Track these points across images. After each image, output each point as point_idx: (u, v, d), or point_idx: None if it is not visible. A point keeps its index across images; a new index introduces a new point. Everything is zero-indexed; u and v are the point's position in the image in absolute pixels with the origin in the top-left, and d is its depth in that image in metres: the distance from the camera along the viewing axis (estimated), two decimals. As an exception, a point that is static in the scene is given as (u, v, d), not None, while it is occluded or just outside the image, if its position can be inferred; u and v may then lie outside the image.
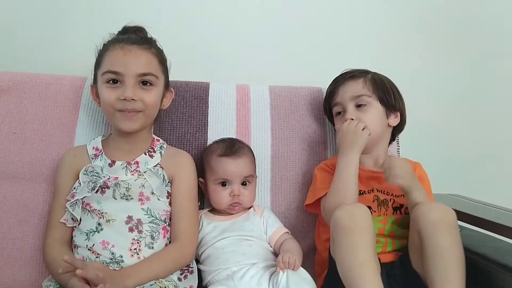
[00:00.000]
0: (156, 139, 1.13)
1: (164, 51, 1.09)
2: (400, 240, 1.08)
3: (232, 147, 1.13)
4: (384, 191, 1.11)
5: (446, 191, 1.22)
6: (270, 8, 1.49)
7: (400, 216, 1.09)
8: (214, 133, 1.23)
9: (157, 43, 1.09)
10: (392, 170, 1.00)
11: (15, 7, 1.41)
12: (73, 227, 1.03)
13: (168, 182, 1.07)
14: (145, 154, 1.08)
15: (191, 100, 1.25)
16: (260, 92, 1.30)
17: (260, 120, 1.26)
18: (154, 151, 1.10)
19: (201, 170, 1.16)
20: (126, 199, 1.02)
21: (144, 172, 1.05)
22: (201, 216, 1.13)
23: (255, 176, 1.16)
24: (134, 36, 1.06)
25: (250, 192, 1.13)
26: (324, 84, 1.33)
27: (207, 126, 1.23)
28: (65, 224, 1.03)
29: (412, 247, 0.99)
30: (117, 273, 0.93)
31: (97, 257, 0.97)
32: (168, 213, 1.06)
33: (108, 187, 1.02)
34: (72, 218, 1.03)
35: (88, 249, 0.99)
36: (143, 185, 1.03)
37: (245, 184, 1.12)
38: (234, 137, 1.22)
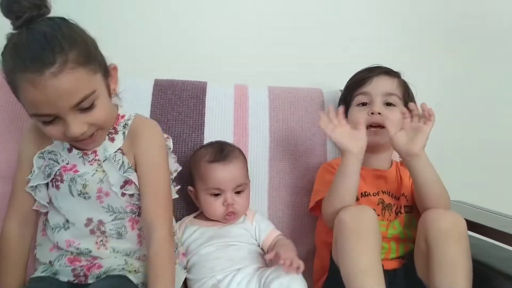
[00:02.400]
0: (121, 115, 0.95)
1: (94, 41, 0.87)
2: (404, 244, 1.05)
3: (222, 151, 1.07)
4: (390, 193, 1.08)
5: (450, 197, 1.17)
6: (270, 8, 1.45)
7: (402, 216, 1.06)
8: (211, 134, 1.19)
9: (70, 30, 0.81)
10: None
11: None
12: (43, 222, 0.96)
13: (129, 167, 0.91)
14: (105, 138, 0.93)
15: (188, 100, 1.22)
16: (258, 92, 1.27)
17: (258, 122, 1.23)
18: (116, 132, 0.93)
19: (190, 177, 1.11)
20: (84, 197, 0.91)
21: (104, 161, 0.92)
22: (186, 224, 1.09)
23: (248, 182, 1.11)
24: (39, 57, 0.75)
25: (244, 199, 1.08)
26: (324, 86, 1.32)
27: (204, 126, 1.20)
28: (40, 210, 0.95)
29: (418, 255, 0.96)
30: None
31: (66, 250, 0.93)
32: (133, 204, 0.94)
33: (62, 181, 0.91)
34: (43, 204, 0.94)
35: (55, 246, 0.94)
36: (101, 180, 0.91)
37: (239, 192, 1.07)
38: (231, 139, 1.19)
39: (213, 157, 1.06)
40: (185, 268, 1.02)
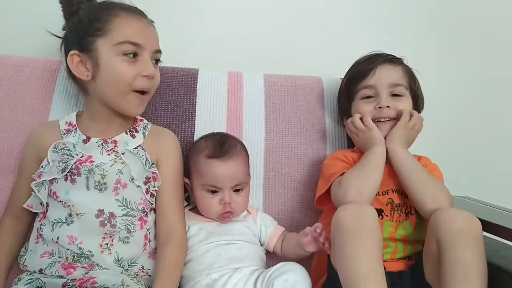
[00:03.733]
0: (140, 119, 1.04)
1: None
2: (412, 245, 0.99)
3: (222, 146, 1.00)
4: (400, 191, 1.02)
5: (456, 193, 1.12)
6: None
7: (413, 217, 1.01)
8: (202, 125, 1.13)
9: None
10: None
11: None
12: (39, 218, 0.94)
13: (152, 164, 0.96)
14: (126, 133, 0.98)
15: (178, 88, 1.15)
16: (254, 80, 1.20)
17: (254, 111, 1.17)
18: (137, 131, 1.00)
19: (187, 169, 1.05)
20: (100, 189, 0.92)
21: (123, 154, 0.95)
22: None
23: (248, 180, 1.05)
24: (136, 8, 0.97)
25: (243, 198, 1.02)
26: (323, 74, 1.26)
27: (195, 116, 1.13)
28: (31, 210, 0.94)
29: (428, 258, 0.89)
30: None
31: (67, 249, 0.89)
32: (147, 202, 0.95)
33: (79, 174, 0.91)
34: (40, 203, 0.93)
35: (55, 242, 0.90)
36: (120, 171, 0.93)
37: (238, 191, 1.01)
38: (224, 129, 1.12)
39: (212, 152, 1.00)
40: None
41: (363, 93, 1.07)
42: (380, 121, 1.05)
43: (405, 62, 1.12)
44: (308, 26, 1.40)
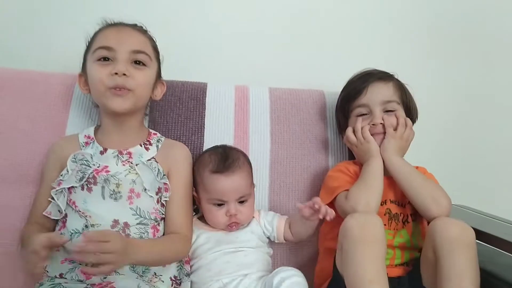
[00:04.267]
0: (153, 133, 1.09)
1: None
2: (409, 252, 1.04)
3: (225, 161, 1.03)
4: (397, 201, 1.07)
5: (452, 202, 1.16)
6: (271, 8, 1.44)
7: (410, 225, 1.06)
8: (211, 137, 1.17)
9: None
10: None
11: (3, 2, 1.36)
12: (59, 227, 0.98)
13: (164, 175, 1.02)
14: (141, 146, 1.04)
15: (188, 101, 1.20)
16: (259, 94, 1.26)
17: (259, 124, 1.22)
18: (150, 144, 1.05)
19: (195, 181, 1.09)
20: (115, 198, 0.97)
21: (137, 165, 1.00)
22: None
23: (252, 190, 1.08)
24: (127, 23, 1.05)
25: (248, 208, 1.06)
26: (326, 87, 1.30)
27: (204, 128, 1.18)
28: (49, 217, 0.98)
29: (425, 263, 0.95)
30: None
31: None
32: (158, 212, 1.00)
33: (96, 183, 0.97)
34: (59, 211, 0.98)
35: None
36: (134, 181, 0.98)
37: (242, 202, 1.04)
38: (231, 141, 1.17)
39: (216, 167, 1.03)
40: (188, 275, 1.02)
41: (358, 111, 1.12)
42: (374, 136, 1.09)
43: (396, 77, 1.15)
44: (310, 41, 1.45)
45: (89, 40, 1.04)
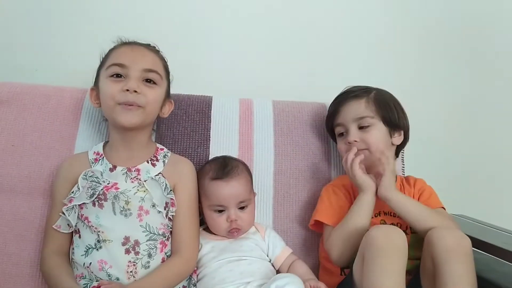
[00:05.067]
0: (160, 148, 1.12)
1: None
2: (409, 261, 1.04)
3: (225, 168, 1.07)
4: (391, 213, 1.09)
5: (450, 211, 1.19)
6: (274, 23, 1.48)
7: (409, 237, 1.06)
8: (216, 148, 1.20)
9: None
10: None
11: (16, 16, 1.39)
12: (70, 239, 1.02)
13: (170, 190, 1.04)
14: (148, 162, 1.06)
15: (193, 114, 1.23)
16: (263, 106, 1.29)
17: (263, 136, 1.25)
18: (157, 160, 1.08)
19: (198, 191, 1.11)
20: (125, 215, 1.00)
21: (145, 181, 1.03)
22: None
23: (252, 197, 1.11)
24: (140, 42, 1.08)
25: (248, 214, 1.08)
26: (328, 100, 1.31)
27: (209, 141, 1.21)
28: (59, 230, 1.01)
29: (424, 273, 0.97)
30: None
31: (96, 276, 0.96)
32: (166, 227, 1.03)
33: (106, 199, 1.00)
34: (68, 224, 1.01)
35: (85, 267, 0.97)
36: (143, 199, 1.01)
37: (242, 208, 1.07)
38: (236, 153, 1.20)
39: (216, 174, 1.07)
40: (195, 285, 1.05)
41: (338, 131, 1.16)
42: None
43: (373, 91, 1.15)
44: (312, 54, 1.49)
45: (103, 56, 1.08)
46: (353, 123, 1.12)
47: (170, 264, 1.01)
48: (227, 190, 1.05)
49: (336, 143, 1.21)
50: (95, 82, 1.08)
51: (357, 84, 1.20)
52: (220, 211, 1.06)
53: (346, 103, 1.14)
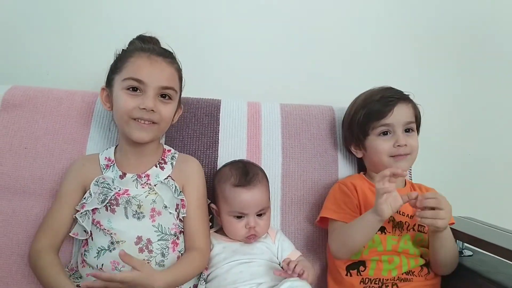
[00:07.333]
0: (167, 150, 1.13)
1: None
2: (414, 259, 1.07)
3: (247, 175, 1.08)
4: (401, 212, 1.10)
5: (458, 213, 1.20)
6: (282, 26, 1.49)
7: (414, 233, 1.09)
8: (225, 151, 1.22)
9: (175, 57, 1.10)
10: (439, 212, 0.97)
11: (27, 21, 1.42)
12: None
13: (180, 192, 1.06)
14: (156, 166, 1.08)
15: (202, 117, 1.25)
16: (271, 109, 1.30)
17: (271, 138, 1.26)
18: (165, 163, 1.09)
19: (213, 195, 1.14)
20: (138, 218, 1.02)
21: (155, 185, 1.05)
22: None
23: (269, 204, 1.12)
24: (158, 48, 1.07)
25: (265, 221, 1.10)
26: (335, 103, 1.34)
27: (218, 143, 1.23)
28: (76, 237, 1.03)
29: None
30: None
31: None
32: (177, 227, 1.05)
33: (118, 204, 1.01)
34: (84, 231, 1.03)
35: (99, 268, 0.99)
36: (154, 201, 1.03)
37: (261, 215, 1.09)
38: (244, 155, 1.21)
39: (238, 181, 1.07)
40: (205, 280, 1.06)
41: (380, 130, 1.13)
42: (396, 155, 1.11)
43: (411, 97, 1.17)
44: (320, 57, 1.50)
45: (118, 56, 1.07)
46: (402, 127, 1.12)
47: (190, 258, 1.03)
48: (250, 198, 1.06)
49: (345, 142, 1.23)
50: (107, 82, 1.08)
51: (366, 88, 1.21)
52: (239, 217, 1.08)
53: (399, 105, 1.13)
